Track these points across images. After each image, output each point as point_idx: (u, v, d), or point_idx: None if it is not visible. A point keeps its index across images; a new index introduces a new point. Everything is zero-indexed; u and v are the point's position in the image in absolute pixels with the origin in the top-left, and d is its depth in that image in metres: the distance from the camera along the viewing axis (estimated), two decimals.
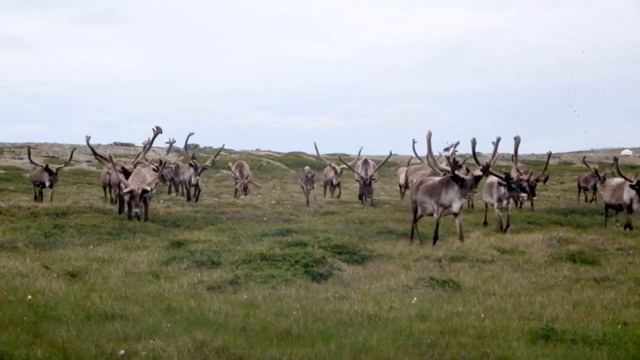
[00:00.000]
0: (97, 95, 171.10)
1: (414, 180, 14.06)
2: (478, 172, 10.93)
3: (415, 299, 7.27)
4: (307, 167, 17.87)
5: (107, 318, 6.24)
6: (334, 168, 20.24)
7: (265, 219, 14.11)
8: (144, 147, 15.82)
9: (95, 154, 15.64)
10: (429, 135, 11.28)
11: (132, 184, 12.62)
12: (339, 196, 20.73)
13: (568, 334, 5.73)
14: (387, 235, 12.06)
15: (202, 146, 43.50)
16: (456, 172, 10.71)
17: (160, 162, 18.83)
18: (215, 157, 21.96)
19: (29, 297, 6.86)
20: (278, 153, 45.86)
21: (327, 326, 6.12)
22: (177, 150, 34.95)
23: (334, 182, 20.44)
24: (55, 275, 8.23)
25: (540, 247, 10.71)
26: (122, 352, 5.15)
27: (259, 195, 21.76)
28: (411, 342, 5.58)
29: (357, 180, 18.67)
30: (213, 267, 9.04)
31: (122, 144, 42.20)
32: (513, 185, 12.35)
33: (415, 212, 11.84)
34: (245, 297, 7.35)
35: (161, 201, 18.83)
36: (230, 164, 22.84)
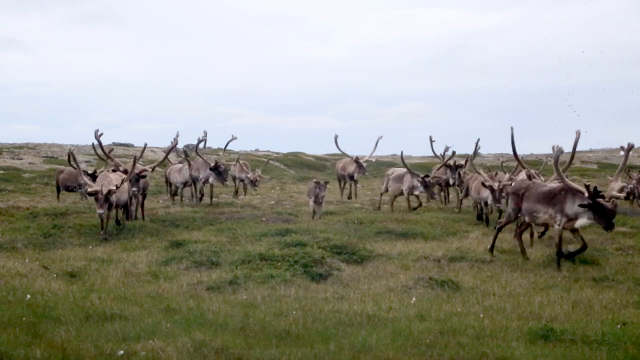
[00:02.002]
0: (96, 96, 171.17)
1: (490, 185, 12.21)
2: (616, 193, 8.79)
3: (414, 299, 7.27)
4: (314, 180, 16.37)
5: (106, 318, 6.24)
6: (357, 161, 18.75)
7: (264, 219, 14.10)
8: (174, 151, 15.84)
9: (102, 149, 15.42)
10: (559, 152, 9.05)
11: (97, 185, 11.87)
12: (355, 195, 19.54)
13: (567, 334, 5.74)
14: (386, 235, 12.04)
15: (201, 147, 43.29)
16: (598, 200, 8.55)
17: (187, 159, 18.95)
18: (227, 145, 21.33)
19: (28, 297, 6.85)
20: (277, 153, 45.80)
21: (326, 326, 6.13)
22: (176, 152, 34.84)
23: (355, 176, 19.04)
24: (54, 275, 8.23)
25: (539, 247, 10.74)
26: (121, 352, 5.15)
27: (258, 196, 21.75)
28: (410, 342, 5.58)
29: (415, 187, 15.89)
30: (212, 267, 9.04)
31: (121, 145, 42.15)
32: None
33: (515, 222, 10.36)
34: (245, 297, 7.35)
35: (160, 201, 18.82)
36: (240, 161, 22.79)
